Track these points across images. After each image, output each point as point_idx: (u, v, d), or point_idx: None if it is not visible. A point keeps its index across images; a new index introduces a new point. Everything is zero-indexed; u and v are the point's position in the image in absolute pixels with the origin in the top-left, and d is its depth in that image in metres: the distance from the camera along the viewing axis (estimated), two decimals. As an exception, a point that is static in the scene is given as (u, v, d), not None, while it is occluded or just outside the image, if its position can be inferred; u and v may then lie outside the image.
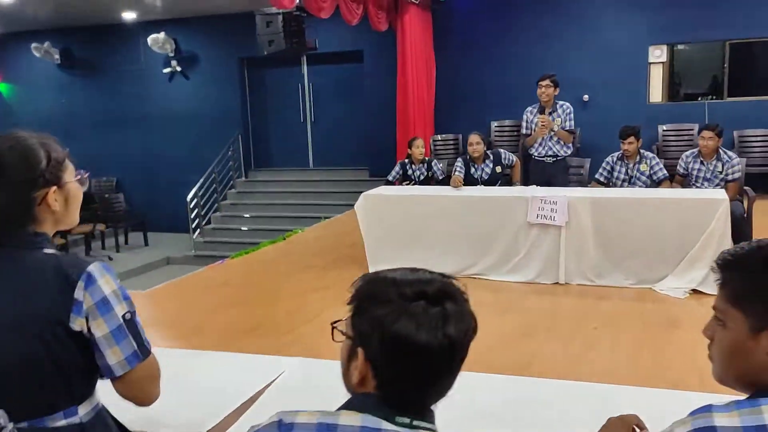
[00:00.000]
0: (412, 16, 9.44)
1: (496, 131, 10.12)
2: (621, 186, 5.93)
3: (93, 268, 1.37)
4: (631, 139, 5.78)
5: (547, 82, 5.96)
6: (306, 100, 11.51)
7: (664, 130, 9.44)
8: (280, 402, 2.13)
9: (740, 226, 5.29)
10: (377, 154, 10.16)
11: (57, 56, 12.31)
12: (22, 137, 1.52)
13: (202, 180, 10.99)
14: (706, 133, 5.52)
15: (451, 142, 10.15)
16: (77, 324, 1.33)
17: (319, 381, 2.93)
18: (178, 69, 11.77)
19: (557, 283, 5.42)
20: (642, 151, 5.93)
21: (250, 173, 11.85)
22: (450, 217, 5.72)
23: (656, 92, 9.84)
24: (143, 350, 1.39)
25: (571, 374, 3.59)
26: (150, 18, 11.35)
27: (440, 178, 6.61)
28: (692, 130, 9.16)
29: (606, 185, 5.98)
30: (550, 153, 6.11)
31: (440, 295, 1.07)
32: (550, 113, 6.02)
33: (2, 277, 1.36)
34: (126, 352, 1.35)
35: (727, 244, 4.99)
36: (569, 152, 6.27)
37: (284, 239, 7.54)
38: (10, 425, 1.31)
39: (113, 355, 1.34)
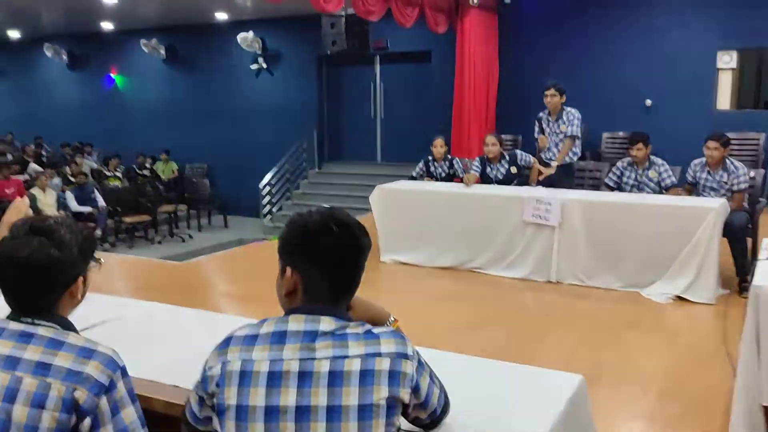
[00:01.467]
0: (472, 19, 9.70)
1: (554, 133, 10.18)
2: (630, 191, 5.99)
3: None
4: (640, 145, 5.84)
5: (552, 91, 6.14)
6: (377, 97, 12.05)
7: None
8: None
9: (740, 237, 5.25)
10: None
11: (162, 52, 13.61)
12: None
13: (275, 169, 11.83)
14: (711, 144, 5.49)
15: (509, 142, 10.31)
16: None
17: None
18: (264, 66, 12.68)
19: (549, 281, 5.63)
20: (652, 157, 5.96)
21: (323, 165, 12.57)
22: (453, 212, 6.05)
23: (724, 99, 9.51)
24: None
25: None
26: (240, 18, 12.32)
27: (461, 175, 6.91)
28: (758, 139, 8.83)
29: (615, 190, 6.07)
30: (555, 158, 6.28)
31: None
32: (556, 119, 6.18)
33: None
34: None
35: (714, 252, 5.01)
36: (575, 158, 6.38)
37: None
38: None
39: None
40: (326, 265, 1.38)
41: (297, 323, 1.34)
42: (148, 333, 2.27)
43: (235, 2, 11.10)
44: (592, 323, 4.68)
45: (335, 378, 1.27)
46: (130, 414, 1.40)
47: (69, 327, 1.48)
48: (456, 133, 9.86)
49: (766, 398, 2.71)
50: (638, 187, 5.96)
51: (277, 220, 11.57)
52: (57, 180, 10.83)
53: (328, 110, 12.57)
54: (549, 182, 6.18)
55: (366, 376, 1.28)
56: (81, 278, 1.50)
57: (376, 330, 1.36)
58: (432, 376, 1.39)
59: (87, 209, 9.96)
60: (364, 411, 1.26)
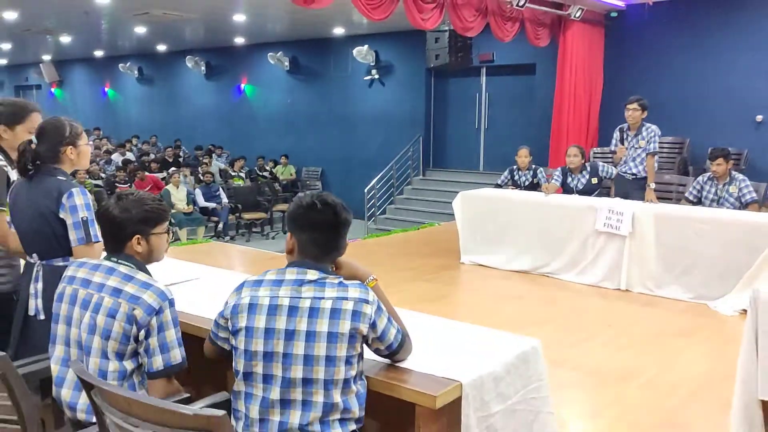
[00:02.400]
0: (575, 32, 9.90)
1: (656, 147, 10.13)
2: (709, 206, 6.07)
3: (74, 190, 2.61)
4: (720, 161, 5.93)
5: (634, 105, 6.30)
6: (482, 108, 12.45)
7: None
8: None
9: None
10: (540, 161, 10.75)
11: (287, 63, 14.76)
12: (59, 118, 2.69)
13: (380, 175, 12.54)
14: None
15: (609, 154, 10.37)
16: (61, 215, 2.60)
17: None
18: (377, 77, 13.45)
19: (619, 288, 5.85)
20: (734, 173, 6.02)
21: (427, 172, 13.13)
22: (530, 219, 6.40)
23: (840, 115, 9.11)
24: (87, 240, 2.60)
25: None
26: (356, 33, 13.16)
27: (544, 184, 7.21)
28: None
29: (695, 204, 6.16)
30: (630, 171, 6.43)
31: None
32: (635, 134, 6.34)
33: (36, 187, 2.62)
34: (77, 236, 2.60)
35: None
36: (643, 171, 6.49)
37: (417, 229, 8.67)
38: (39, 261, 2.64)
39: (71, 235, 2.61)
40: (312, 232, 1.92)
41: (291, 274, 1.90)
42: (213, 290, 2.91)
43: (351, 18, 11.91)
44: (648, 330, 4.89)
45: (313, 312, 1.81)
46: (172, 335, 2.02)
47: (141, 267, 2.14)
48: (554, 145, 10.08)
49: (762, 393, 2.93)
50: (718, 201, 6.04)
51: (380, 223, 12.25)
52: (190, 178, 12.12)
53: (435, 119, 13.12)
54: (624, 193, 6.36)
55: (335, 313, 1.81)
56: (138, 236, 2.12)
57: (347, 282, 1.88)
58: (390, 320, 1.89)
59: (212, 205, 11.12)
60: (332, 336, 1.79)
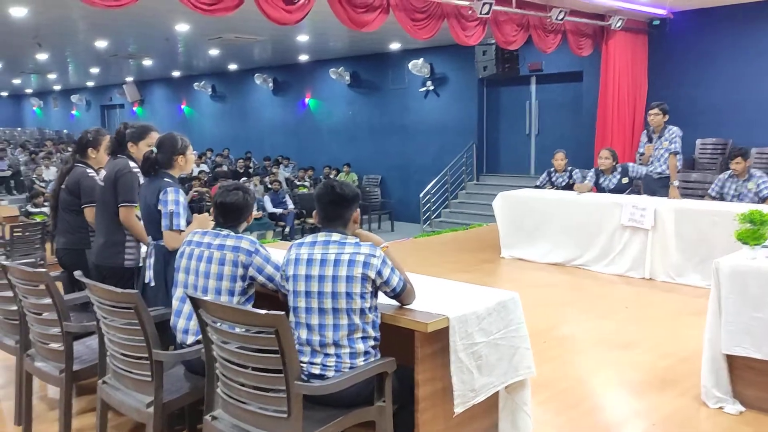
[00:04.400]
0: (617, 41, 10.39)
1: (700, 148, 10.49)
2: (730, 201, 6.54)
3: (169, 189, 3.45)
4: (738, 159, 6.40)
5: (656, 110, 6.83)
6: (532, 115, 13.03)
7: None
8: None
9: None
10: (587, 165, 11.26)
11: (347, 78, 15.72)
12: (173, 133, 3.57)
13: (435, 180, 13.28)
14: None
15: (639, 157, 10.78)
16: (158, 207, 3.47)
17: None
18: (431, 88, 14.22)
19: (644, 278, 6.40)
20: (752, 170, 6.47)
21: (480, 177, 13.78)
22: (563, 216, 7.02)
23: None
24: (172, 226, 3.37)
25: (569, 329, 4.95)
26: (412, 47, 13.98)
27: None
28: None
29: (717, 200, 6.63)
30: (656, 171, 6.94)
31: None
32: (659, 137, 6.86)
33: (150, 186, 3.48)
34: (164, 223, 3.40)
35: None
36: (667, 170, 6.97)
37: (465, 229, 9.37)
38: (152, 242, 3.51)
39: (163, 222, 3.43)
40: (327, 206, 2.72)
41: (322, 236, 2.70)
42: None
43: (406, 34, 12.69)
44: (662, 311, 5.46)
45: (337, 262, 2.59)
46: (270, 269, 2.85)
47: (238, 232, 2.97)
48: (599, 148, 10.55)
49: (725, 347, 3.53)
50: (738, 197, 6.50)
51: (436, 226, 12.98)
52: (259, 187, 13.17)
53: (487, 127, 13.77)
54: (651, 191, 6.89)
55: (351, 263, 2.58)
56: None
57: (361, 243, 2.67)
58: (393, 271, 2.64)
59: (279, 210, 12.12)
60: (349, 279, 2.56)
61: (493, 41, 10.73)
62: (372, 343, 2.62)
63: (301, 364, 2.61)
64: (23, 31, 10.83)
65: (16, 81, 21.63)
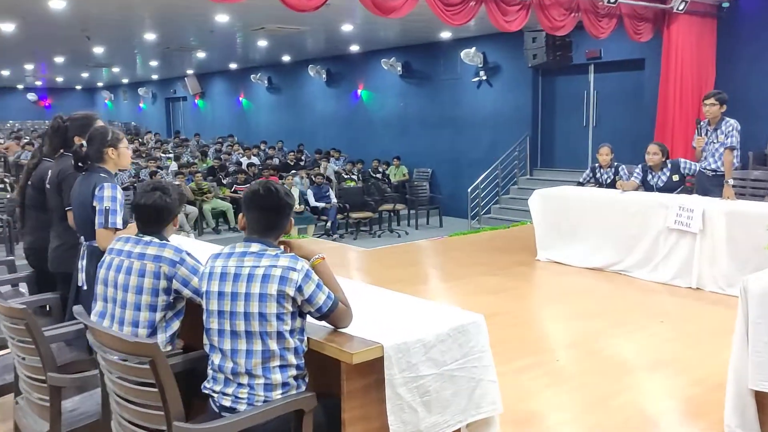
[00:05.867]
0: (680, 26, 9.54)
1: (773, 142, 9.54)
2: (796, 202, 5.79)
3: (105, 184, 3.12)
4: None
5: (711, 100, 6.07)
6: (590, 106, 12.25)
7: None
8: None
9: None
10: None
11: (399, 68, 15.29)
12: (105, 125, 3.33)
13: (484, 174, 12.71)
14: None
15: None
16: (93, 204, 3.15)
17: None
18: (484, 78, 13.62)
19: (690, 287, 5.74)
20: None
21: (534, 171, 13.10)
22: (603, 217, 6.41)
23: None
24: (107, 224, 3.06)
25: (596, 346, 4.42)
26: (463, 35, 13.41)
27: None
28: None
29: (780, 201, 5.88)
30: (710, 167, 6.19)
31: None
32: (714, 129, 6.11)
33: (84, 181, 3.21)
34: (99, 221, 3.07)
35: None
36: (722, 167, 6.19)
37: (507, 228, 8.82)
38: (84, 243, 3.21)
39: (97, 220, 3.10)
40: (256, 212, 2.33)
41: (240, 247, 2.32)
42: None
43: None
44: (704, 327, 4.84)
45: (250, 278, 2.21)
46: (198, 281, 2.49)
47: (162, 239, 2.64)
48: (659, 139, 9.75)
49: (752, 382, 2.95)
50: (804, 198, 5.73)
51: (484, 222, 12.41)
52: (305, 180, 12.95)
53: (542, 118, 13.06)
54: (704, 189, 6.19)
55: (265, 278, 2.20)
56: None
57: (281, 254, 2.27)
58: (320, 288, 2.24)
59: (321, 204, 11.87)
60: (263, 297, 2.19)
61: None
62: (293, 373, 2.24)
63: (213, 394, 2.27)
64: (71, 24, 10.97)
65: (85, 75, 22.29)
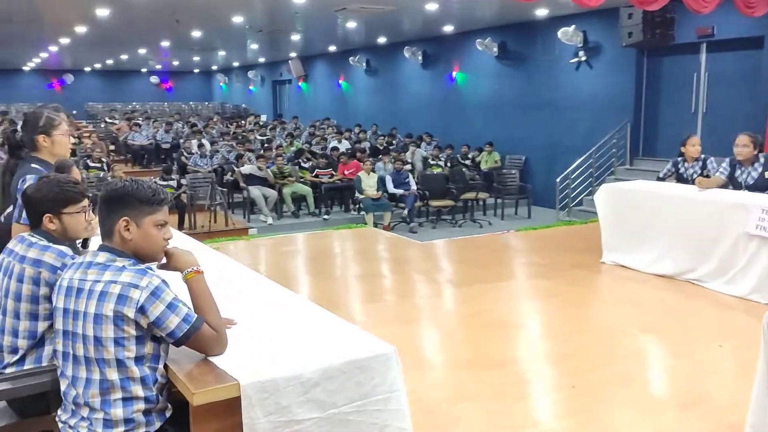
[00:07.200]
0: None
1: None
2: None
3: (28, 176, 2.84)
4: None
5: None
6: (699, 90, 10.99)
7: None
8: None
9: None
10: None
11: (495, 49, 14.53)
12: (40, 109, 3.06)
13: (577, 163, 11.79)
14: None
15: None
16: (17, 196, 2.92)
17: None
18: (584, 58, 12.61)
19: (772, 304, 4.87)
20: None
21: (635, 161, 11.99)
22: (677, 217, 5.61)
23: None
24: (19, 219, 2.68)
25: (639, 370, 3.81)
26: (562, 13, 12.46)
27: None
28: None
29: None
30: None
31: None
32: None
33: (18, 171, 2.96)
34: (15, 215, 2.75)
35: None
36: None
37: (584, 223, 8.06)
38: None
39: (15, 213, 2.77)
40: (98, 213, 2.04)
41: (89, 256, 2.02)
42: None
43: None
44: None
45: (90, 294, 1.90)
46: None
47: (54, 242, 2.36)
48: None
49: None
50: None
51: (574, 215, 11.54)
52: (389, 165, 12.59)
53: (646, 103, 11.91)
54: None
55: (102, 296, 1.88)
56: (49, 215, 2.36)
57: (128, 266, 1.93)
58: (172, 309, 1.89)
59: (399, 191, 11.50)
60: (98, 318, 1.87)
61: (640, 2, 9.07)
62: (140, 407, 1.91)
63: (60, 423, 1.99)
64: (160, 7, 11.23)
65: (196, 58, 23.14)
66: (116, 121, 19.87)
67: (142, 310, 1.88)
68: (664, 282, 5.56)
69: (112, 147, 17.06)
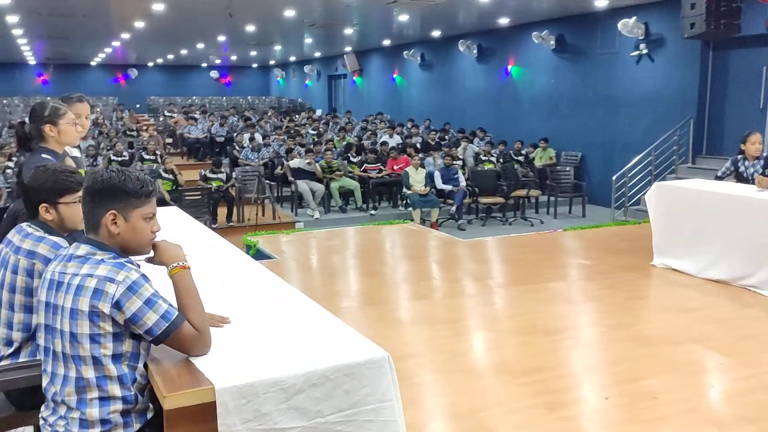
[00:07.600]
0: None
1: None
2: None
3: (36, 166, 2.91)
4: None
5: None
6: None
7: None
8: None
9: None
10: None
11: (552, 42, 14.10)
12: (47, 99, 3.06)
13: (635, 161, 11.31)
14: None
15: None
16: None
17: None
18: (645, 52, 12.08)
19: (837, 315, 4.49)
20: None
21: (697, 159, 11.42)
22: (733, 219, 5.25)
23: None
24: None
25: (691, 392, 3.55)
26: (623, 4, 11.97)
27: (779, 177, 5.77)
28: None
29: None
30: None
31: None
32: None
33: (27, 162, 2.96)
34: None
35: None
36: None
37: (638, 223, 7.70)
38: None
39: None
40: (83, 205, 1.95)
41: (71, 249, 1.93)
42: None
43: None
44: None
45: (68, 287, 1.82)
46: None
47: (51, 232, 2.32)
48: None
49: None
50: None
51: (630, 214, 11.08)
52: (438, 160, 12.40)
53: (710, 99, 11.32)
54: None
55: (78, 290, 1.79)
56: (45, 205, 2.32)
57: (107, 259, 1.84)
58: (151, 303, 1.79)
59: (448, 187, 11.29)
60: (73, 313, 1.79)
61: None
62: (118, 407, 1.82)
63: (41, 420, 1.93)
64: (213, 2, 11.35)
65: (253, 53, 23.40)
66: (174, 115, 20.29)
67: (117, 305, 1.79)
68: (717, 288, 5.21)
69: (169, 140, 17.43)
